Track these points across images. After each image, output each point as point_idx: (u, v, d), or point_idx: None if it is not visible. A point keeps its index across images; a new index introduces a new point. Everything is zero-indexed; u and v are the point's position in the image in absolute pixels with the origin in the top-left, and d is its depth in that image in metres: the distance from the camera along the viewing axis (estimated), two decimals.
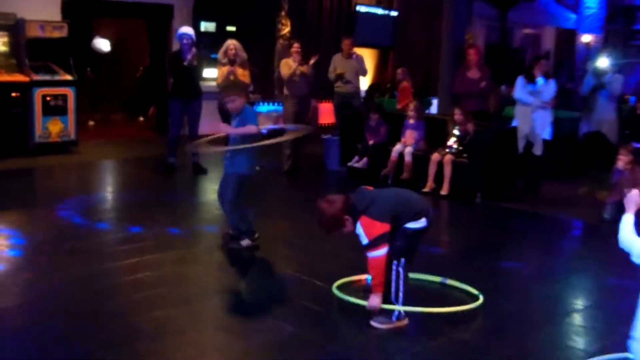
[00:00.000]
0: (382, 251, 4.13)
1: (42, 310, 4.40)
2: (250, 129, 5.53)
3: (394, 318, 4.28)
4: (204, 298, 4.74)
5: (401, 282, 4.24)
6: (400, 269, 4.23)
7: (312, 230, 6.44)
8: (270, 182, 8.99)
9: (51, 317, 4.28)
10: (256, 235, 5.84)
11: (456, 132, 8.44)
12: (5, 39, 9.62)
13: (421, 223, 4.29)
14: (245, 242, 5.82)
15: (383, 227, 4.13)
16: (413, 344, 4.18)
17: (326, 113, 13.92)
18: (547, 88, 8.49)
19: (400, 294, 4.25)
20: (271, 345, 4.03)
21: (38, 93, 9.64)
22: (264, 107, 12.40)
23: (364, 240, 4.17)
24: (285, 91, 9.46)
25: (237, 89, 5.91)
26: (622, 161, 7.20)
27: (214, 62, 9.90)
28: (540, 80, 8.47)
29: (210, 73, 10.71)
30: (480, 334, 4.35)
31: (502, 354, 4.03)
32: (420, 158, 8.52)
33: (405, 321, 4.32)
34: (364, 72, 10.48)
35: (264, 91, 13.13)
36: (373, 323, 4.28)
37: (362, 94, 11.72)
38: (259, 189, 8.41)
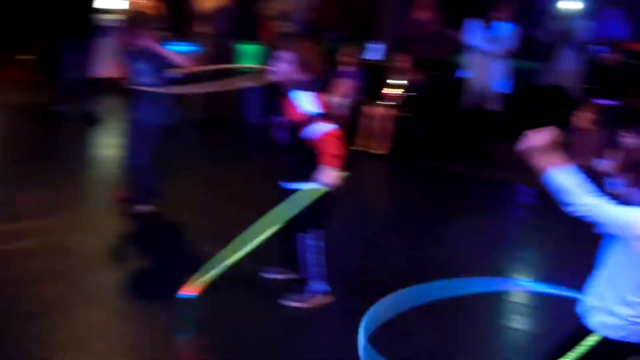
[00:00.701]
0: (334, 126, 4.07)
1: None
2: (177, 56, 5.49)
3: (311, 294, 4.35)
4: (94, 272, 4.71)
5: (316, 255, 4.29)
6: (311, 241, 4.28)
7: (229, 194, 6.53)
8: (180, 137, 8.93)
9: None
10: (161, 200, 5.83)
11: (399, 82, 8.51)
12: None
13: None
14: (148, 207, 5.80)
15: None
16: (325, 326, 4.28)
17: (250, 57, 13.79)
18: (508, 34, 8.60)
19: (319, 268, 4.32)
20: (167, 331, 3.99)
21: None
22: (176, 47, 12.19)
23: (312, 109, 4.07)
24: (201, 29, 9.33)
25: (143, 22, 5.79)
26: (583, 119, 7.41)
27: None
28: (500, 24, 8.57)
29: (110, 3, 10.48)
30: (409, 313, 4.45)
31: (431, 335, 4.15)
32: (356, 111, 8.57)
33: (329, 297, 4.39)
34: (311, 8, 10.31)
35: (176, 28, 12.91)
36: (288, 302, 4.34)
37: None
38: (166, 146, 8.37)
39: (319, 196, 4.20)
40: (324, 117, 4.05)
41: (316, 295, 4.36)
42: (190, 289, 3.88)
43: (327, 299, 4.39)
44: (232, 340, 3.97)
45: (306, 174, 4.06)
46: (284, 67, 4.17)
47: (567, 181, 2.62)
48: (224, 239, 5.22)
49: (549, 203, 6.98)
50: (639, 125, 7.53)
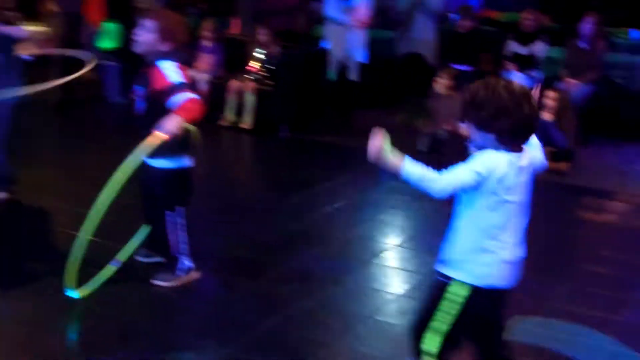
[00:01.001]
0: (197, 96, 3.98)
1: None
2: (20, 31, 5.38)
3: (178, 272, 4.30)
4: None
5: (180, 232, 4.23)
6: (175, 219, 4.21)
7: (89, 176, 6.31)
8: (34, 119, 8.58)
9: None
10: (15, 186, 5.60)
11: (259, 55, 8.48)
12: None
13: (186, 161, 4.20)
14: (1, 195, 5.57)
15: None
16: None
17: (107, 35, 13.40)
18: (362, 5, 8.70)
19: (184, 245, 4.27)
20: (35, 321, 3.89)
21: None
22: (26, 27, 11.70)
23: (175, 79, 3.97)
24: (52, 7, 8.98)
25: None
26: (442, 86, 7.61)
27: None
28: None
29: None
30: (282, 283, 4.47)
31: (303, 305, 4.17)
32: (218, 86, 8.49)
33: (197, 274, 4.35)
34: None
35: (24, 8, 12.38)
36: (155, 281, 4.27)
37: None
38: (19, 130, 8.04)
39: (181, 174, 4.16)
40: (187, 87, 3.97)
41: (184, 273, 4.30)
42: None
43: (195, 276, 4.35)
44: (102, 324, 3.86)
45: (166, 149, 3.96)
46: (146, 36, 4.06)
47: (416, 171, 2.66)
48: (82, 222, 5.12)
49: None
50: None
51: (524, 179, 2.71)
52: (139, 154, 3.80)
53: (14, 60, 5.48)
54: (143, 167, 4.06)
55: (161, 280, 4.28)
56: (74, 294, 3.96)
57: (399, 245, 5.13)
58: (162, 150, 3.93)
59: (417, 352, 2.82)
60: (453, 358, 2.84)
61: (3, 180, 5.56)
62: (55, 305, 3.99)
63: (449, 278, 2.75)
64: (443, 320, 2.73)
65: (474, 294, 2.70)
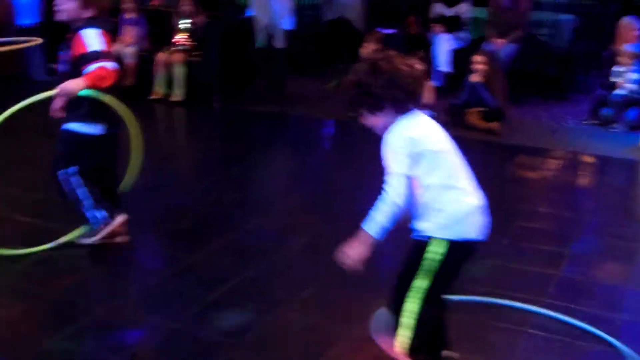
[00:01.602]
0: (113, 65, 3.96)
1: None
2: None
3: (94, 226, 4.24)
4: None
5: (79, 189, 4.16)
6: (72, 178, 4.15)
7: (13, 156, 6.12)
8: None
9: None
10: None
11: (185, 25, 8.30)
12: None
13: (95, 128, 4.13)
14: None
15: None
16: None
17: (25, 11, 13.00)
18: None
19: (88, 201, 4.18)
20: None
21: None
22: None
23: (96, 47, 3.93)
24: None
25: None
26: (369, 50, 7.57)
27: None
28: None
29: None
30: (224, 254, 4.39)
31: (246, 274, 4.09)
32: (145, 59, 8.30)
33: (120, 218, 4.27)
34: None
35: None
36: (80, 241, 4.27)
37: None
38: None
39: (88, 140, 4.10)
40: (105, 55, 3.92)
41: (100, 225, 4.23)
42: None
43: (115, 225, 4.26)
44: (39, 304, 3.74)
45: (75, 113, 4.01)
46: (68, 4, 3.99)
47: (378, 220, 2.67)
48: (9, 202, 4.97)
49: (345, 134, 7.19)
50: (419, 50, 7.87)
51: (437, 126, 2.77)
52: (27, 101, 3.89)
53: None
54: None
55: (83, 238, 4.27)
56: None
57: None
58: (72, 114, 3.99)
59: (398, 311, 2.81)
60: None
61: None
62: None
63: (427, 237, 2.75)
64: (424, 278, 2.74)
65: (452, 249, 2.72)
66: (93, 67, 3.83)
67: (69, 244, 4.30)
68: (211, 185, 5.62)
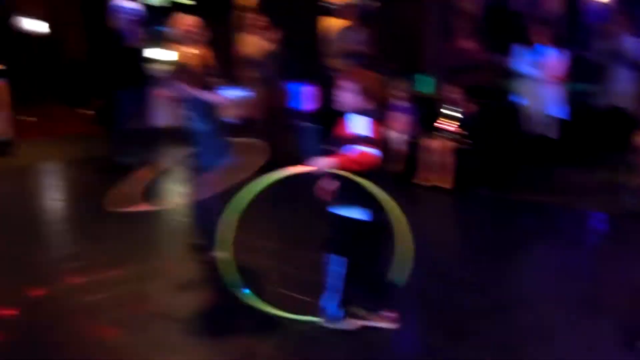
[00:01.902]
0: (375, 151, 4.14)
1: None
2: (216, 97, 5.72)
3: (333, 321, 4.38)
4: (166, 321, 4.67)
5: (339, 281, 4.29)
6: (339, 268, 4.27)
7: (296, 238, 6.47)
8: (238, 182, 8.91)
9: None
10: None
11: (453, 113, 8.41)
12: None
13: (362, 214, 4.24)
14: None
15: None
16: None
17: (307, 97, 13.81)
18: (552, 58, 8.46)
19: (337, 295, 4.32)
20: None
21: None
22: (228, 92, 12.27)
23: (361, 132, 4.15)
24: (253, 73, 9.39)
25: (187, 71, 5.91)
26: None
27: (166, 41, 9.77)
28: (543, 49, 8.44)
29: (161, 54, 10.59)
30: (486, 350, 4.32)
31: None
32: (414, 146, 8.48)
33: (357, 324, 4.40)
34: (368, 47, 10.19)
35: (226, 73, 13.01)
36: (325, 324, 4.38)
37: None
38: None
39: (354, 225, 4.22)
40: (369, 141, 4.11)
41: (334, 322, 4.37)
42: None
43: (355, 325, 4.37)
44: None
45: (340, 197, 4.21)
46: (349, 97, 4.22)
47: None
48: (292, 281, 5.22)
49: (619, 227, 6.84)
50: None
51: None
52: (275, 175, 4.25)
53: (219, 125, 5.73)
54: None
55: (328, 322, 4.37)
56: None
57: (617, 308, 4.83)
58: (340, 197, 4.21)
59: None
60: None
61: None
62: None
63: None
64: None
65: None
66: (353, 149, 4.04)
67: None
68: (475, 275, 5.56)
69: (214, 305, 5.03)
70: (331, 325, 4.36)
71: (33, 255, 5.97)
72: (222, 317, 4.78)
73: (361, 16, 10.17)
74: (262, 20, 9.29)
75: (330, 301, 4.35)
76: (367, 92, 4.22)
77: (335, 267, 4.29)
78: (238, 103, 11.99)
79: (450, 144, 8.20)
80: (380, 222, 4.28)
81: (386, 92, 8.60)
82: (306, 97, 13.29)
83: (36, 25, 13.39)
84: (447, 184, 8.16)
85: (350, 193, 4.19)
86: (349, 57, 9.83)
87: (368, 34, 10.12)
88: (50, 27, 14.15)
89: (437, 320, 4.66)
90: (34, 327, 4.52)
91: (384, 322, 4.41)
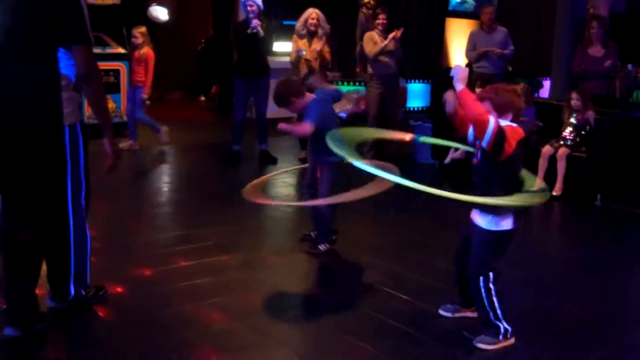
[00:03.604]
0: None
1: (87, 317, 4.44)
2: (302, 128, 5.58)
3: (500, 337, 4.16)
4: (271, 310, 4.69)
5: (495, 299, 4.12)
6: (492, 286, 4.11)
7: (402, 235, 6.42)
8: (350, 177, 8.89)
9: (96, 323, 4.36)
10: (334, 237, 5.81)
11: (573, 120, 8.15)
12: None
13: (507, 223, 4.10)
14: (322, 247, 5.79)
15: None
16: None
17: (416, 95, 13.78)
18: None
19: (499, 312, 4.14)
20: None
21: None
22: (344, 87, 12.33)
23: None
24: (369, 70, 9.37)
25: (290, 93, 5.69)
26: None
27: (289, 34, 9.87)
28: None
29: (283, 47, 10.70)
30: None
31: None
32: (529, 151, 8.26)
33: (512, 340, 4.20)
34: (510, 50, 10.06)
35: (343, 69, 13.07)
36: (478, 344, 4.18)
37: None
38: (337, 185, 8.36)
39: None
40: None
41: (502, 337, 4.17)
42: None
43: (511, 342, 4.19)
44: None
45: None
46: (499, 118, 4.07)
47: None
48: (396, 281, 5.16)
49: None
50: None
51: None
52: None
53: (333, 116, 5.73)
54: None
55: (483, 343, 4.18)
56: None
57: None
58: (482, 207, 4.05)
59: None
60: None
61: (327, 233, 5.79)
62: None
63: None
64: None
65: None
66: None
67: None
68: (587, 289, 5.36)
69: (320, 299, 5.02)
70: (487, 345, 4.19)
71: (143, 235, 6.11)
72: (333, 312, 4.75)
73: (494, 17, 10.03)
74: (383, 18, 9.22)
75: (493, 319, 4.17)
76: (503, 107, 4.08)
77: (490, 285, 4.13)
78: (352, 98, 12.03)
79: (564, 150, 7.94)
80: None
81: (528, 100, 8.43)
82: (422, 95, 13.24)
83: (161, 12, 13.74)
84: (557, 191, 7.91)
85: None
86: (482, 59, 9.71)
87: (505, 34, 9.95)
88: (177, 14, 14.49)
89: (548, 333, 4.51)
90: (139, 307, 4.61)
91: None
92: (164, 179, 8.63)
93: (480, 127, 3.91)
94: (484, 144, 3.92)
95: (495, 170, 4.03)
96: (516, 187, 4.06)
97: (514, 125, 4.03)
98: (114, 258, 5.47)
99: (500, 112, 4.06)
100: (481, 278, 4.11)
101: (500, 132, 3.88)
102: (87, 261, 4.46)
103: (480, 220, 4.14)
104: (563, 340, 4.40)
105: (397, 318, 4.54)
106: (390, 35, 9.22)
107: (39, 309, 4.19)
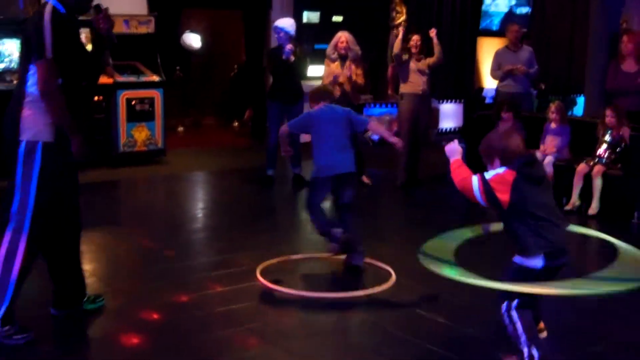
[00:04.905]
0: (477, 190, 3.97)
1: (124, 342, 4.49)
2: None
3: (526, 357, 4.09)
4: (306, 334, 4.71)
5: (518, 325, 4.06)
6: (514, 313, 4.05)
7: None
8: (382, 197, 8.94)
9: (129, 354, 4.39)
10: (338, 235, 5.83)
11: (608, 137, 8.10)
12: (86, 36, 9.98)
13: (536, 262, 4.02)
14: (362, 261, 5.88)
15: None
16: None
17: (449, 115, 13.80)
18: None
19: (522, 337, 4.07)
20: None
21: (122, 96, 9.98)
22: (375, 110, 12.38)
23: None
24: (402, 89, 9.37)
25: (312, 95, 6.11)
26: None
27: (321, 58, 9.95)
28: None
29: (317, 70, 10.77)
30: None
31: None
32: (564, 169, 8.23)
33: None
34: (535, 69, 10.05)
35: (376, 91, 13.12)
36: None
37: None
38: (368, 207, 8.39)
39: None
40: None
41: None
42: None
43: None
44: None
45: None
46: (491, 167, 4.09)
47: None
48: (430, 303, 5.14)
49: None
50: None
51: None
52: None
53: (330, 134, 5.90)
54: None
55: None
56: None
57: None
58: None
59: None
60: None
61: (324, 234, 5.97)
62: None
63: None
64: None
65: None
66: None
67: None
68: (630, 310, 5.29)
69: (354, 320, 5.02)
70: None
71: (180, 261, 6.16)
72: (369, 336, 4.80)
73: (522, 36, 10.02)
74: (416, 40, 9.20)
75: (523, 346, 4.09)
76: (488, 157, 4.10)
77: (512, 312, 4.08)
78: (384, 121, 12.08)
79: (600, 168, 7.89)
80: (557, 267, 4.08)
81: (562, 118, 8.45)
82: (450, 115, 13.24)
83: (195, 40, 13.93)
84: (592, 210, 7.85)
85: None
86: (507, 78, 9.70)
87: (531, 53, 9.93)
88: (211, 41, 14.67)
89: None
90: (176, 332, 4.65)
91: None
92: (199, 205, 8.71)
93: (468, 192, 3.97)
94: (482, 204, 3.96)
95: (512, 219, 4.02)
96: (549, 221, 4.01)
97: (501, 171, 3.96)
98: (150, 284, 5.53)
99: (488, 160, 4.09)
100: (505, 303, 4.07)
101: (487, 190, 3.90)
102: (8, 282, 4.40)
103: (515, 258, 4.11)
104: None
105: (435, 342, 4.53)
106: (421, 56, 9.19)
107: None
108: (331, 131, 5.85)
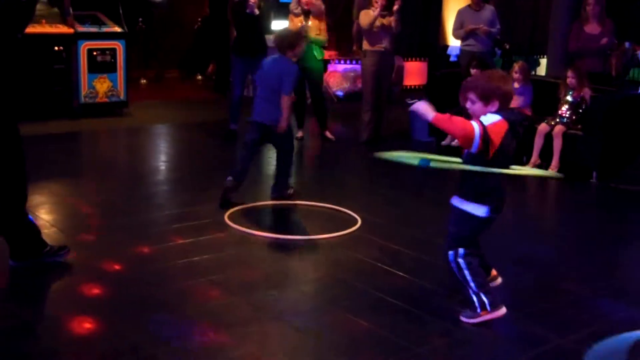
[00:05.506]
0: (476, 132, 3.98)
1: (86, 294, 4.48)
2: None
3: (479, 310, 4.23)
4: (267, 286, 4.73)
5: (466, 272, 4.18)
6: (460, 260, 4.18)
7: (395, 212, 6.46)
8: (345, 153, 8.96)
9: (92, 305, 4.38)
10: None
11: (569, 98, 8.18)
12: None
13: (481, 210, 4.12)
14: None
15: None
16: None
17: (413, 73, 13.81)
18: None
19: (472, 284, 4.19)
20: (344, 345, 4.00)
21: (83, 47, 9.83)
22: (339, 66, 12.34)
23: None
24: (365, 46, 9.32)
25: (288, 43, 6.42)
26: None
27: (285, 13, 9.86)
28: None
29: (280, 25, 10.68)
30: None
31: None
32: (525, 128, 8.27)
33: (499, 313, 4.24)
34: (497, 28, 10.01)
35: (340, 48, 13.07)
36: (462, 318, 4.27)
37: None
38: (332, 162, 8.41)
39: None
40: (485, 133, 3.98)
41: (481, 310, 4.23)
42: None
43: (499, 313, 4.23)
44: None
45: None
46: (473, 108, 4.13)
47: None
48: (391, 257, 5.20)
49: None
50: None
51: None
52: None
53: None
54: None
55: (465, 316, 4.28)
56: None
57: None
58: (462, 191, 4.16)
59: None
60: None
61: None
62: (356, 341, 4.07)
63: None
64: None
65: None
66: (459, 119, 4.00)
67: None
68: (581, 267, 5.41)
69: (316, 275, 5.07)
70: (468, 319, 4.26)
71: (142, 213, 6.14)
72: (330, 288, 4.84)
73: None
74: None
75: (472, 294, 4.24)
76: (488, 96, 4.08)
77: (459, 259, 4.20)
78: (349, 77, 12.05)
79: (561, 128, 7.98)
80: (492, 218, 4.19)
81: (525, 78, 8.49)
82: (414, 73, 13.24)
83: None
84: (553, 168, 7.95)
85: (473, 188, 4.12)
86: (469, 37, 9.69)
87: (493, 12, 9.93)
88: None
89: (538, 310, 4.56)
90: (137, 284, 4.65)
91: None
92: (161, 158, 8.65)
93: (468, 139, 3.95)
94: (473, 150, 3.96)
95: (484, 165, 4.04)
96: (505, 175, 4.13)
97: (498, 119, 3.99)
98: (111, 236, 5.51)
99: (486, 101, 4.07)
100: (450, 252, 4.20)
101: (485, 136, 3.92)
102: None
103: (457, 202, 4.20)
104: (558, 315, 4.46)
105: (394, 294, 4.59)
106: (395, 7, 9.05)
107: None
108: (265, 82, 6.42)
